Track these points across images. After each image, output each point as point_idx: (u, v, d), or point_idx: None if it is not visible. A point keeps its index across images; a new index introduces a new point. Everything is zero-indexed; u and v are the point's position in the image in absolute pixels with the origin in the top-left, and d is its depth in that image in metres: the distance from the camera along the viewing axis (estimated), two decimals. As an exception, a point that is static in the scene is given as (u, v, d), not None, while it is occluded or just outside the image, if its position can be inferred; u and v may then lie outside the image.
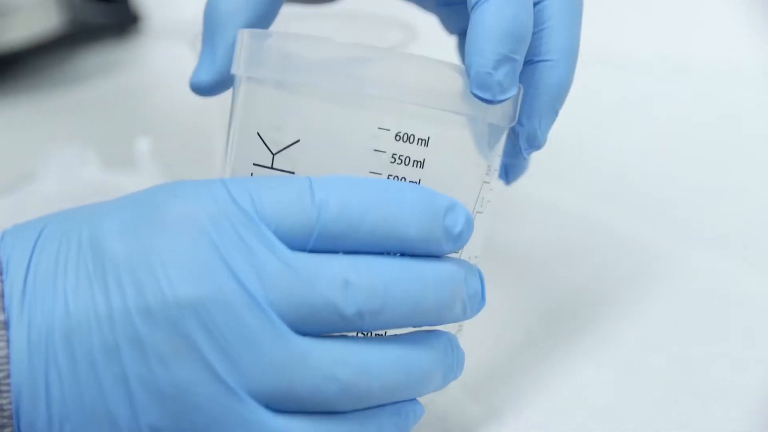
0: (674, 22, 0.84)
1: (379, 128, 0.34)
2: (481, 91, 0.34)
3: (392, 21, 0.55)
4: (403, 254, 0.33)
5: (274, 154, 0.35)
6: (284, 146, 0.35)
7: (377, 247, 0.32)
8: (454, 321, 0.34)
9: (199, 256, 0.31)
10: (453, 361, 0.34)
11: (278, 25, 0.41)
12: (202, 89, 0.39)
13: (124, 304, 0.31)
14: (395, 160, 0.34)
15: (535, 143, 0.37)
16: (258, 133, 0.35)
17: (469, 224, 0.33)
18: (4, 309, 0.31)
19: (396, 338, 0.33)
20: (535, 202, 0.59)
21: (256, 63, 0.36)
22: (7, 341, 0.31)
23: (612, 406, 0.41)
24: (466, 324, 0.38)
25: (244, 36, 0.37)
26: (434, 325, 0.33)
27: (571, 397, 0.42)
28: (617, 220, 0.57)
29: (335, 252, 0.32)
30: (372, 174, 0.34)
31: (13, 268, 0.32)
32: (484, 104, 0.35)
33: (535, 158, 0.41)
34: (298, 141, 0.34)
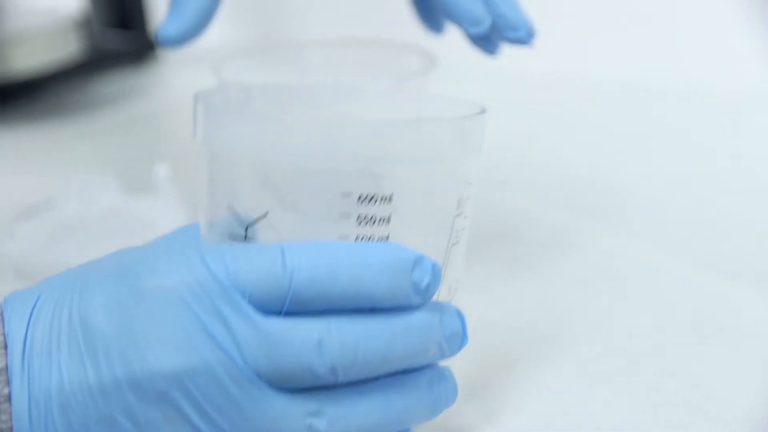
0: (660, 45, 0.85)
1: (342, 193, 0.35)
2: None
3: (411, 48, 0.55)
4: (374, 309, 0.34)
5: (246, 229, 0.36)
6: (254, 220, 0.36)
7: (348, 306, 0.34)
8: (433, 361, 0.36)
9: (181, 328, 0.33)
10: (439, 395, 0.36)
11: (295, 53, 0.42)
12: (169, 42, 0.45)
13: (115, 378, 0.33)
14: (361, 221, 0.35)
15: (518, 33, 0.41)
16: (229, 205, 0.36)
17: (435, 276, 0.35)
18: (7, 383, 0.33)
19: (374, 385, 0.34)
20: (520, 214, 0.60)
21: (214, 136, 0.36)
22: (11, 415, 0.33)
23: (603, 414, 0.41)
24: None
25: (200, 108, 0.37)
26: (410, 368, 0.35)
27: (564, 404, 0.42)
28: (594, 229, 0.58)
29: (309, 312, 0.34)
30: (341, 237, 0.35)
31: (12, 341, 0.34)
32: (439, 146, 0.35)
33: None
34: (266, 213, 0.35)
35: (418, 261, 0.34)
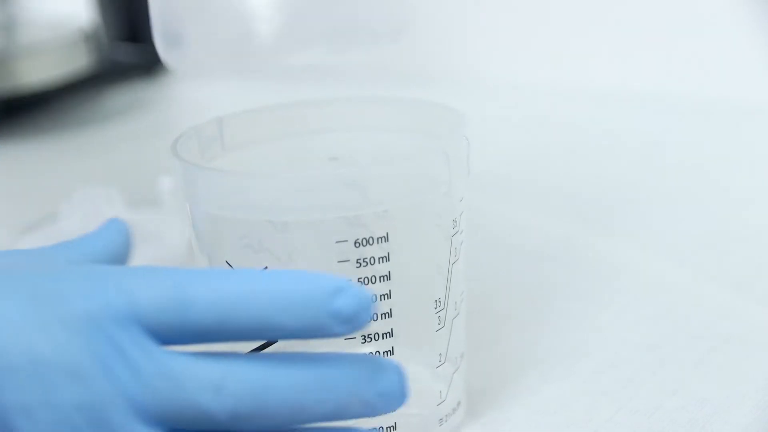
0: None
1: (337, 241, 0.35)
2: None
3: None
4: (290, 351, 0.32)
5: None
6: None
7: (255, 338, 0.32)
8: (360, 417, 0.32)
9: (76, 357, 0.30)
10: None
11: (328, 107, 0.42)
12: None
13: (2, 402, 0.30)
14: (360, 264, 0.35)
15: None
16: (227, 261, 0.36)
17: (363, 305, 0.31)
18: None
19: None
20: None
21: (195, 196, 0.37)
22: None
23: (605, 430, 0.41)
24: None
25: (177, 165, 0.37)
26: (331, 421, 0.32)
27: (566, 421, 0.42)
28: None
29: (212, 353, 0.31)
30: None
31: None
32: (427, 179, 0.35)
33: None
34: (266, 267, 0.35)
35: (339, 289, 0.31)
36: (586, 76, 0.85)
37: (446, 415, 0.40)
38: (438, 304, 0.38)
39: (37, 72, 0.85)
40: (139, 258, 0.50)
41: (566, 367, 0.46)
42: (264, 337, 0.32)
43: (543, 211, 0.63)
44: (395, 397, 0.32)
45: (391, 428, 0.38)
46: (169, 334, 0.31)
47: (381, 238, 0.35)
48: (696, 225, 0.60)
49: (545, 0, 0.89)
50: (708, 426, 0.41)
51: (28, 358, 0.30)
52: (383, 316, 0.37)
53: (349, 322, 0.31)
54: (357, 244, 0.35)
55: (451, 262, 0.38)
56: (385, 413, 0.32)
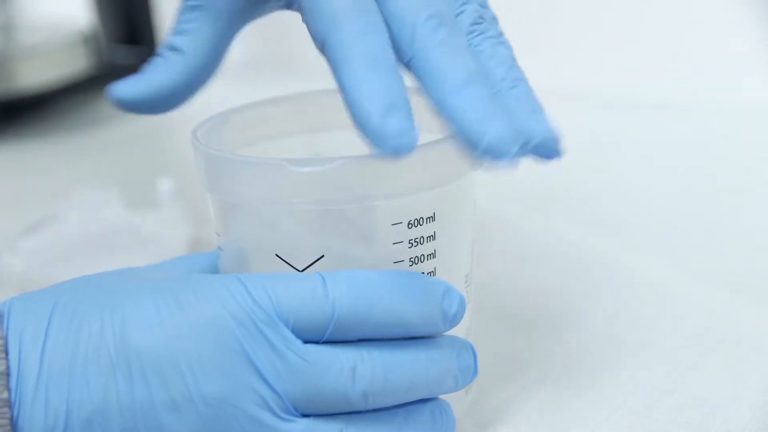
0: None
1: (392, 224, 0.36)
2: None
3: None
4: (404, 337, 0.36)
5: (301, 272, 0.37)
6: (310, 263, 0.37)
7: (384, 334, 0.35)
8: (446, 392, 0.37)
9: (223, 354, 0.33)
10: (441, 427, 0.37)
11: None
12: (119, 102, 0.39)
13: (149, 397, 0.33)
14: (412, 244, 0.37)
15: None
16: (277, 255, 0.37)
17: (462, 305, 0.36)
18: (6, 388, 0.32)
19: (388, 412, 0.36)
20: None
21: (252, 192, 0.37)
22: (10, 420, 0.32)
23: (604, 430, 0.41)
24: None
25: (214, 163, 0.37)
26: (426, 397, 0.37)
27: (565, 421, 0.42)
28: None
29: (346, 340, 0.35)
30: (395, 264, 0.37)
31: (27, 346, 0.33)
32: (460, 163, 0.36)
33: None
34: (322, 256, 0.36)
35: (447, 291, 0.36)
36: (584, 77, 0.85)
37: (471, 385, 0.41)
38: (467, 279, 0.40)
39: (35, 74, 0.85)
40: (139, 258, 0.50)
41: (564, 368, 0.46)
42: (392, 333, 0.35)
43: (540, 213, 0.63)
44: (471, 372, 0.38)
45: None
46: (311, 330, 0.34)
47: (429, 218, 0.37)
48: (692, 226, 0.60)
49: (548, 4, 0.89)
50: (705, 425, 0.41)
51: (173, 356, 0.33)
52: None
53: (453, 320, 0.36)
54: (410, 225, 0.37)
55: (473, 239, 0.40)
56: (462, 388, 0.37)
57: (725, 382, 0.44)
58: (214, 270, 0.40)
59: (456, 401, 0.39)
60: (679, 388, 0.44)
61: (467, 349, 0.37)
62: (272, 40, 1.04)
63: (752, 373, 0.45)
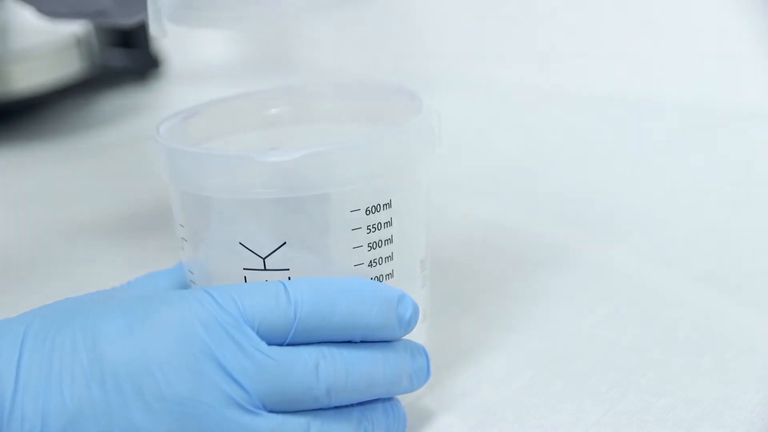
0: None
1: (351, 211, 0.38)
2: None
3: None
4: (363, 341, 0.38)
5: (264, 258, 0.38)
6: (272, 250, 0.38)
7: (344, 336, 0.37)
8: (403, 392, 0.39)
9: (193, 355, 0.35)
10: (394, 423, 0.39)
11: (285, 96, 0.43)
12: None
13: (123, 402, 0.35)
14: (370, 230, 0.39)
15: None
16: (240, 243, 0.38)
17: (415, 311, 0.39)
18: None
19: (348, 409, 0.38)
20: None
21: (215, 183, 0.38)
22: None
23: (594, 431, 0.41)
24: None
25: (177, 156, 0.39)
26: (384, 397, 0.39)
27: (555, 421, 0.42)
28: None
29: (308, 342, 0.37)
30: (355, 249, 0.39)
31: (2, 365, 0.35)
32: (423, 146, 0.40)
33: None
34: (284, 243, 0.38)
35: (402, 297, 0.39)
36: (581, 79, 0.85)
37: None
38: (423, 264, 0.42)
39: (29, 77, 0.85)
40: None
41: (555, 370, 0.46)
42: (351, 336, 0.37)
43: (532, 214, 0.63)
44: (425, 373, 0.40)
45: None
46: (275, 333, 0.36)
47: (386, 204, 0.39)
48: (685, 228, 0.60)
49: (540, 3, 0.89)
50: (695, 427, 0.41)
51: (145, 361, 0.35)
52: (386, 276, 0.40)
53: (407, 325, 0.39)
54: (368, 212, 0.39)
55: (427, 225, 0.42)
56: (416, 389, 0.40)
57: (716, 385, 0.44)
58: (180, 286, 0.42)
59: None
60: (670, 390, 0.44)
61: (420, 352, 0.40)
62: (270, 41, 1.05)
63: (743, 376, 0.45)
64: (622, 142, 0.76)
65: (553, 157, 0.74)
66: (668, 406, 0.43)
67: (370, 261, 0.39)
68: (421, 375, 0.40)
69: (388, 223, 0.39)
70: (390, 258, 0.40)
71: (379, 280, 0.40)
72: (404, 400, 0.42)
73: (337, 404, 0.37)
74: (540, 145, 0.77)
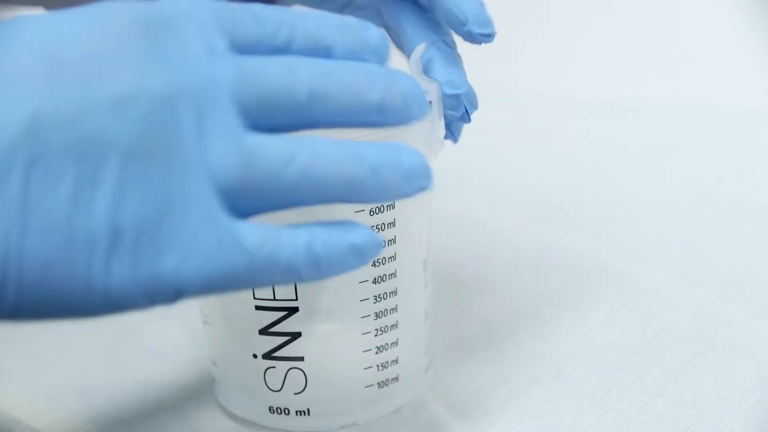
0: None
1: (355, 212, 0.38)
2: (483, 28, 0.40)
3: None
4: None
5: None
6: None
7: (309, 53, 0.33)
8: (402, 122, 0.34)
9: (160, 47, 0.31)
10: (408, 169, 0.33)
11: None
12: None
13: (96, 98, 0.30)
14: (374, 230, 0.39)
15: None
16: None
17: (383, 39, 0.35)
18: None
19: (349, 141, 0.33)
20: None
21: None
22: None
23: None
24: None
25: None
26: (380, 123, 0.34)
27: (553, 424, 0.42)
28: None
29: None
30: None
31: None
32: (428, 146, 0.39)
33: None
34: None
35: (365, 26, 0.35)
36: (583, 82, 0.86)
37: (428, 366, 0.44)
38: (425, 264, 0.42)
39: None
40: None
41: (554, 371, 0.46)
42: (316, 54, 0.33)
43: (530, 217, 0.64)
44: (420, 100, 0.35)
45: (394, 379, 0.42)
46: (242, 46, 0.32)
47: (389, 205, 0.39)
48: (682, 231, 0.60)
49: (542, 8, 0.89)
50: (693, 428, 0.42)
51: (110, 55, 0.30)
52: (389, 276, 0.40)
53: (379, 52, 0.35)
54: (372, 212, 0.39)
55: (430, 226, 0.42)
56: (417, 116, 0.34)
57: (714, 386, 0.44)
58: None
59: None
60: (668, 391, 0.44)
61: (407, 77, 0.35)
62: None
63: (741, 377, 0.45)
64: (621, 145, 0.76)
65: (553, 161, 0.74)
66: (667, 406, 0.43)
67: (374, 260, 0.39)
68: (416, 100, 0.35)
69: (392, 224, 0.40)
70: (393, 258, 0.40)
71: (382, 279, 0.40)
72: (404, 401, 0.43)
73: (324, 119, 0.33)
74: (541, 148, 0.77)
